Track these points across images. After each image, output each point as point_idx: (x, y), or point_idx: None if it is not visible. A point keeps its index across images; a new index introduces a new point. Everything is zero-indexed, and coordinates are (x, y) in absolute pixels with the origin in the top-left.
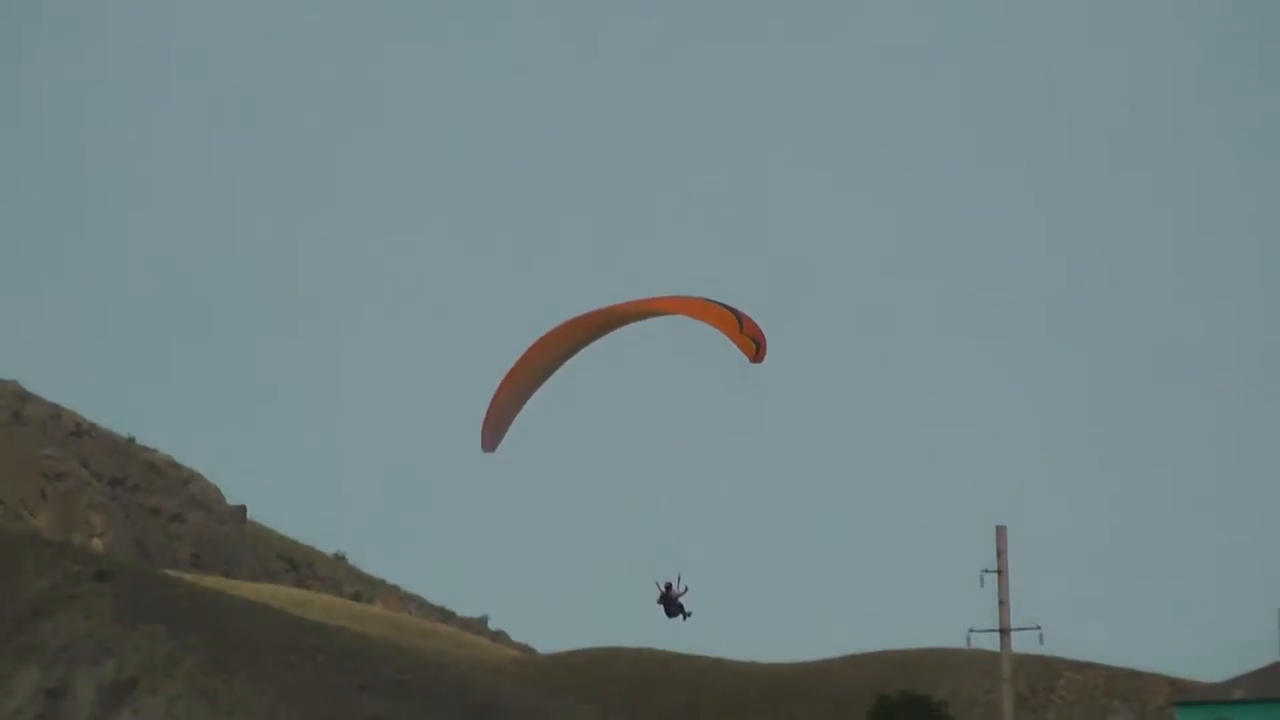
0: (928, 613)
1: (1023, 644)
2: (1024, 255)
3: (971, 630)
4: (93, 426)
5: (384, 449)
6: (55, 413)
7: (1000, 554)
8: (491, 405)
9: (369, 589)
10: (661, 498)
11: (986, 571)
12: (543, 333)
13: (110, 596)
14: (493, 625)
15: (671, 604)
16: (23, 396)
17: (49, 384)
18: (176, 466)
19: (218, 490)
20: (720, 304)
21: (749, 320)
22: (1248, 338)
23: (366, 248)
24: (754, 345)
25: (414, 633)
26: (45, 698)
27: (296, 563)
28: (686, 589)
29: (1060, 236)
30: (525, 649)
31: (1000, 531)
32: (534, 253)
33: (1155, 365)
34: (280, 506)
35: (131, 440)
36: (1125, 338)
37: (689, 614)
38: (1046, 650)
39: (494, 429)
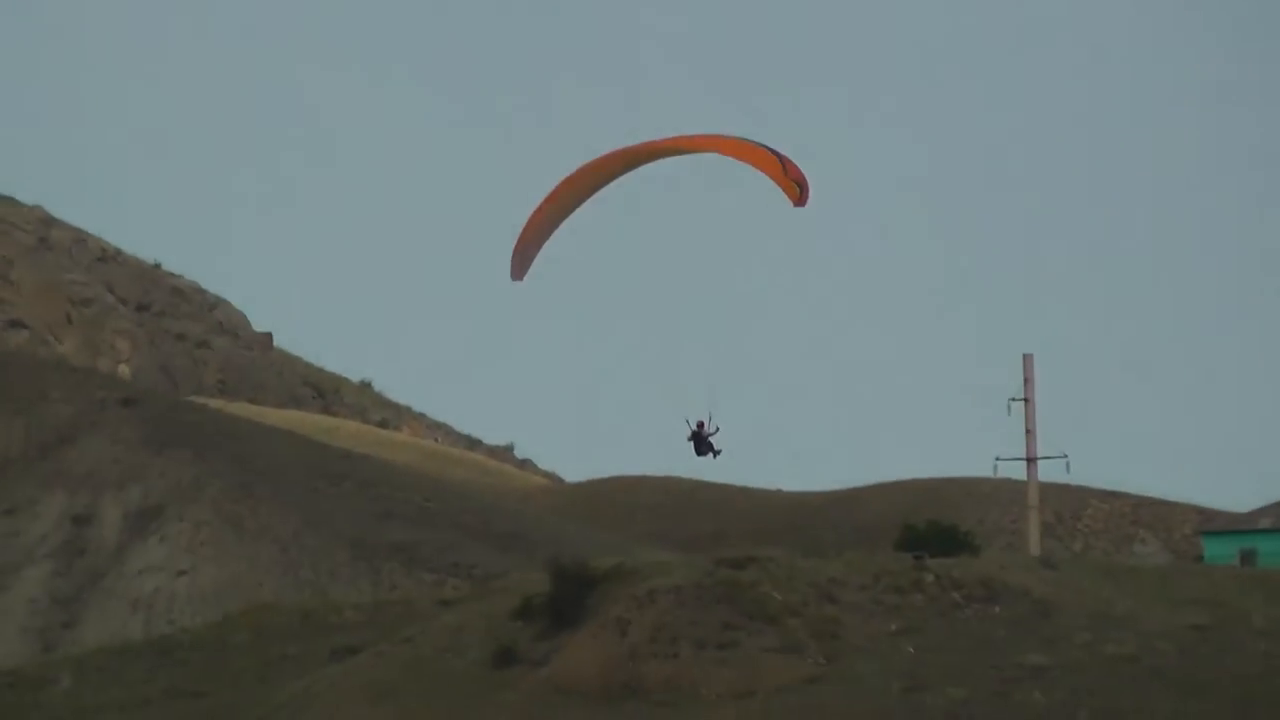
0: (955, 442)
1: (1049, 473)
2: (1056, 78)
3: (998, 459)
4: (119, 252)
5: (412, 276)
6: (81, 238)
7: (1027, 382)
8: (522, 233)
9: (395, 416)
10: (690, 327)
11: (1013, 400)
12: (579, 165)
13: (136, 422)
14: (519, 453)
15: (701, 442)
16: (49, 221)
17: (75, 209)
18: (202, 292)
19: (244, 316)
20: (764, 146)
21: (792, 164)
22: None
23: (399, 72)
24: (797, 188)
25: (440, 460)
26: (71, 524)
27: (323, 389)
28: (718, 429)
29: (1099, 55)
30: (552, 477)
31: (1027, 359)
32: (573, 83)
33: (1183, 187)
34: (307, 333)
35: (158, 265)
36: (1149, 160)
37: (719, 452)
38: (1073, 479)
39: (523, 257)
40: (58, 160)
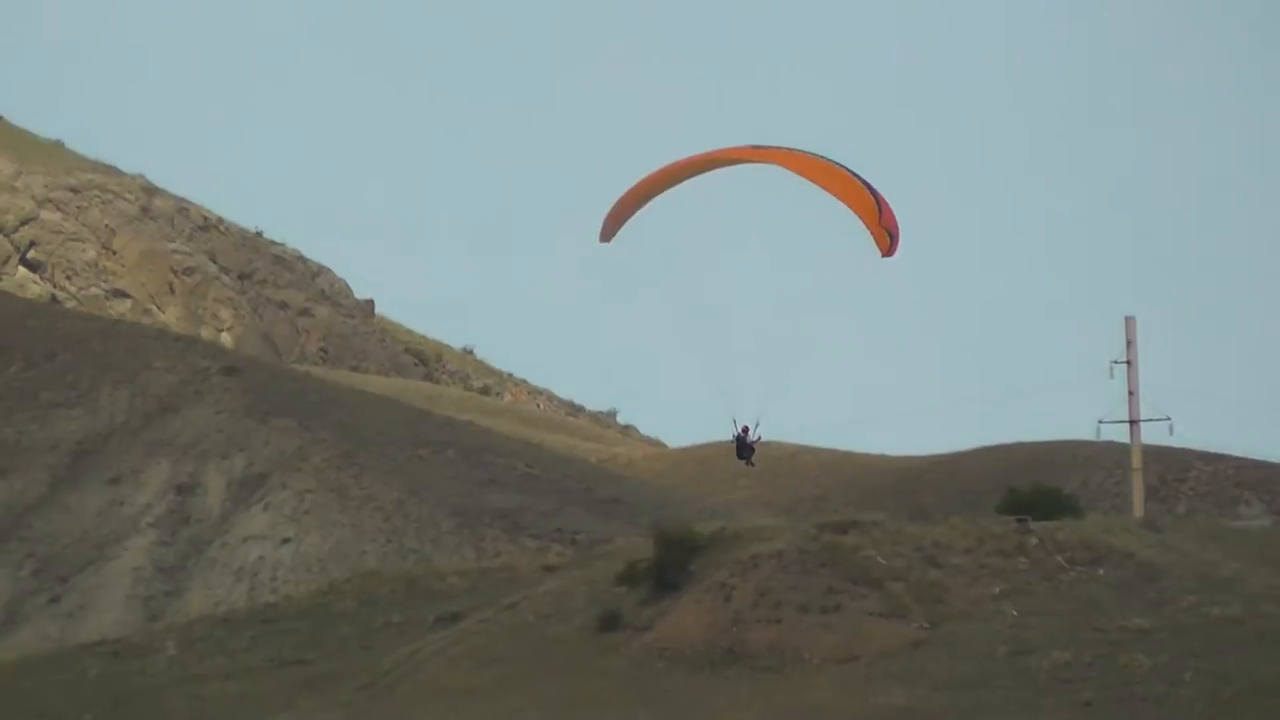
0: (1057, 405)
1: (1152, 435)
2: (1163, 33)
3: (1101, 421)
4: (220, 220)
5: (515, 242)
6: (183, 206)
7: (1130, 344)
8: (619, 200)
9: (497, 383)
10: (790, 291)
11: (1116, 362)
12: (686, 155)
13: (239, 391)
14: (622, 419)
15: (744, 446)
16: (150, 190)
17: (177, 177)
18: (304, 260)
19: (345, 284)
20: (864, 183)
21: (888, 210)
22: None
23: (516, 36)
24: (888, 238)
25: (543, 426)
26: (175, 493)
27: (425, 357)
28: (760, 437)
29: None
30: (654, 443)
31: (1130, 322)
32: (696, 71)
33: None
34: (408, 300)
35: (259, 234)
36: (1246, 119)
37: (753, 463)
38: (1176, 441)
39: (615, 221)
40: (159, 129)
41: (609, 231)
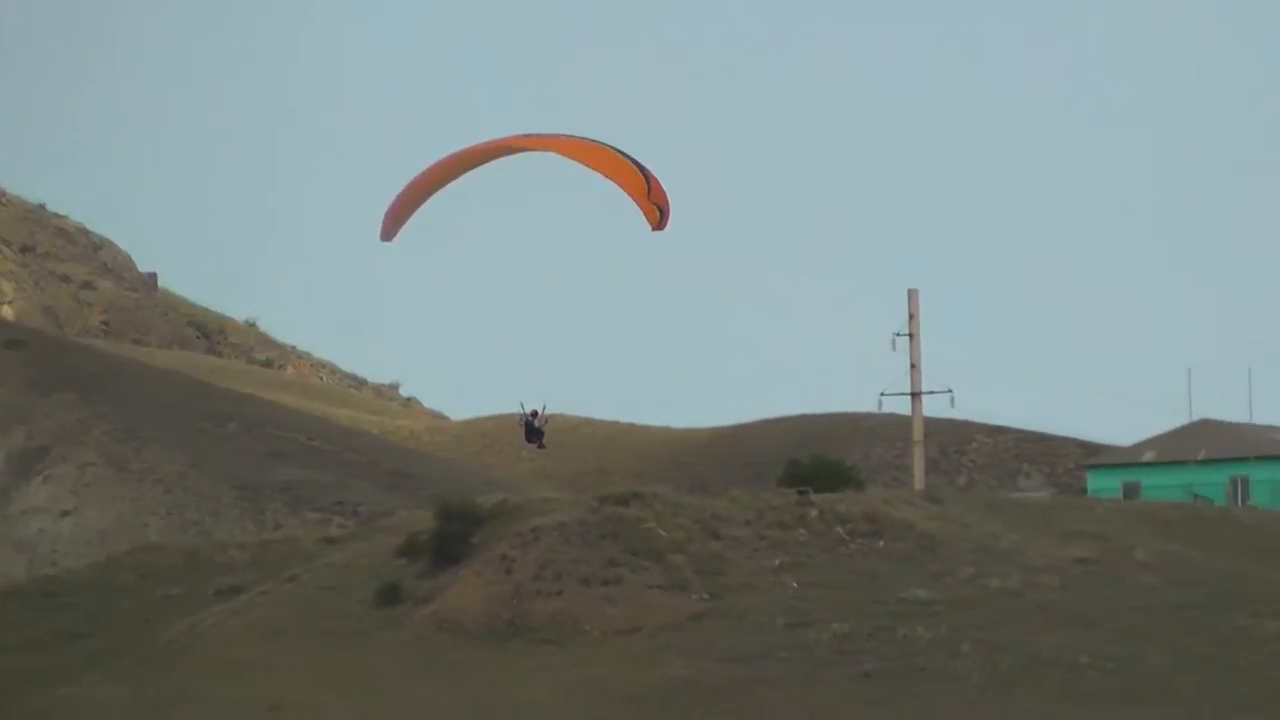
0: (839, 378)
1: (934, 408)
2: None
3: (883, 393)
4: (2, 193)
5: (296, 213)
6: None
7: (912, 317)
8: (397, 198)
9: (281, 356)
10: (571, 267)
11: (898, 335)
12: (460, 147)
13: (21, 364)
14: (405, 392)
15: (531, 429)
16: None
17: None
18: (87, 233)
19: (128, 257)
20: (632, 160)
21: (658, 186)
22: (1160, 111)
23: (286, 9)
24: (658, 212)
25: (326, 399)
26: None
27: (208, 330)
28: (547, 420)
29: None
30: (437, 416)
31: (912, 294)
32: (466, 58)
33: (1066, 125)
34: (191, 273)
35: (42, 207)
36: (1033, 99)
37: (543, 445)
38: (957, 414)
39: (395, 221)
40: None
41: (389, 230)
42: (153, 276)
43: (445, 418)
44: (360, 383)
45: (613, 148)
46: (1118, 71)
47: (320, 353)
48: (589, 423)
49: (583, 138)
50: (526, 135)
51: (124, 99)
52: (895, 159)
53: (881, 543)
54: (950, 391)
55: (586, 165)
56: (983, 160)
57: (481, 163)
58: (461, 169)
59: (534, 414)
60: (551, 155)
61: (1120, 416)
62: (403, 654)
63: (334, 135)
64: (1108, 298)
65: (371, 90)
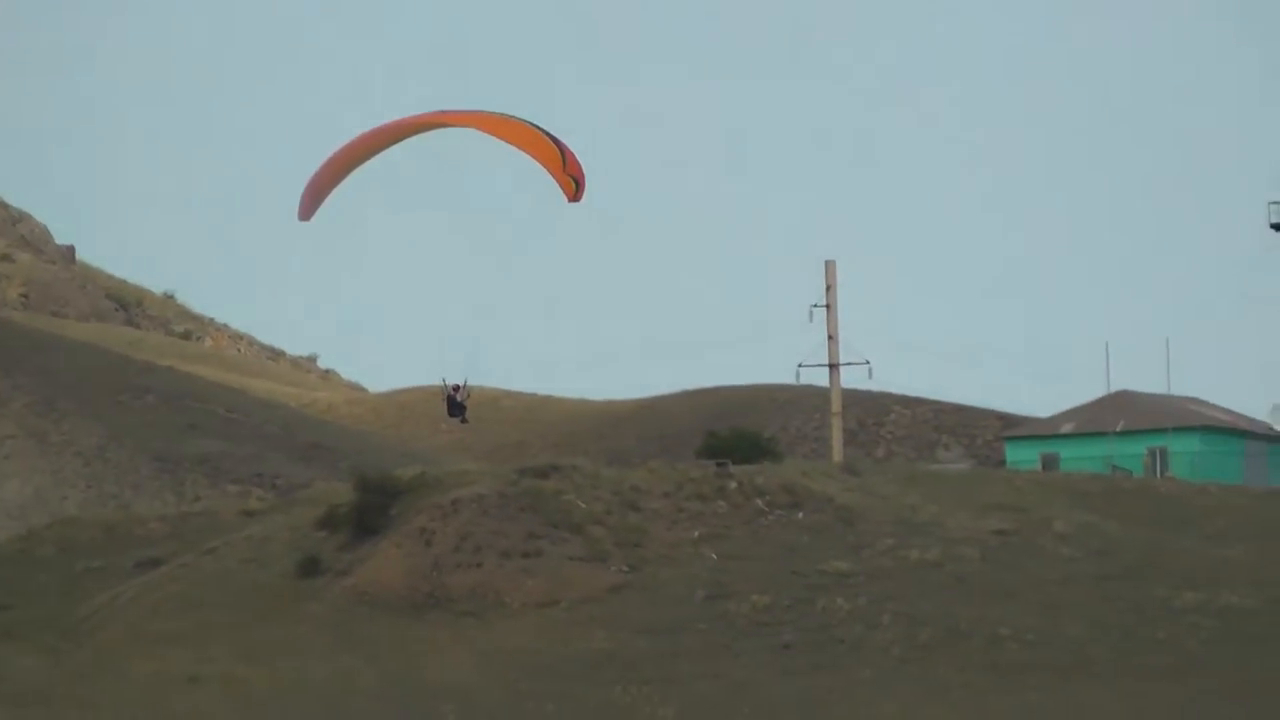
0: (757, 350)
1: (852, 379)
2: None
3: (800, 365)
4: None
5: (215, 185)
6: None
7: (829, 288)
8: (313, 178)
9: (198, 328)
10: (491, 239)
11: (815, 306)
12: (375, 124)
13: None
14: (323, 364)
15: (453, 404)
16: None
17: None
18: (5, 206)
19: (46, 230)
20: (547, 134)
21: (573, 158)
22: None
23: None
24: (574, 184)
25: (244, 371)
26: None
27: (126, 302)
28: (469, 395)
29: None
30: (356, 388)
31: (829, 266)
32: (385, 35)
33: (984, 92)
34: (109, 246)
35: None
36: (953, 64)
37: (466, 420)
38: (875, 385)
39: (312, 200)
40: None
41: (308, 209)
42: (70, 249)
43: (364, 390)
44: (278, 355)
45: (528, 122)
46: (1031, 35)
47: (238, 325)
48: (508, 395)
49: (498, 113)
50: (443, 112)
51: (40, 70)
52: (812, 126)
53: (800, 515)
54: (868, 363)
55: (503, 139)
56: (902, 128)
57: (398, 140)
58: (379, 146)
59: (456, 389)
60: (468, 130)
61: (1038, 389)
62: (322, 626)
63: (251, 105)
64: (1026, 269)
65: (289, 59)
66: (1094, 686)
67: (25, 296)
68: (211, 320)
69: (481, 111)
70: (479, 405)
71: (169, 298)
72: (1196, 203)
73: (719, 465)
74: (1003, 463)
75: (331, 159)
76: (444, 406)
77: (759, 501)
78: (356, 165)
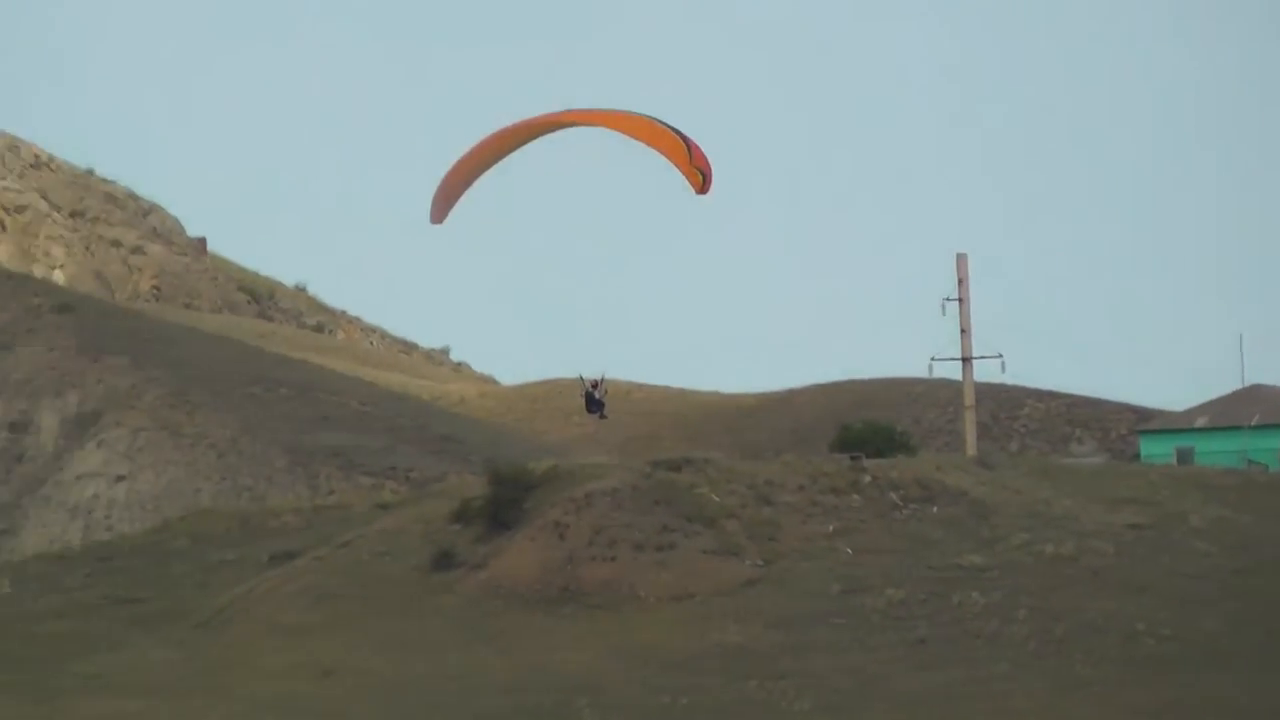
0: (890, 342)
1: (985, 373)
2: None
3: (933, 359)
4: (52, 158)
5: (347, 180)
6: (13, 144)
7: (961, 282)
8: (444, 180)
9: (331, 320)
10: (621, 234)
11: (948, 300)
12: (501, 126)
13: (72, 329)
14: (454, 357)
15: (592, 400)
16: None
17: (7, 115)
18: (136, 198)
19: (178, 222)
20: (672, 129)
21: (698, 151)
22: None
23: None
24: (700, 177)
25: (376, 364)
26: (8, 430)
27: (258, 294)
28: (606, 391)
29: None
30: (487, 380)
31: (961, 259)
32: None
33: (1119, 87)
34: (241, 238)
35: (91, 172)
36: (1080, 58)
37: (605, 416)
38: (1009, 379)
39: (444, 202)
40: None
41: (439, 213)
42: (202, 241)
43: (495, 382)
44: (411, 347)
45: (652, 117)
46: (1177, 32)
47: (370, 317)
48: (640, 388)
49: (623, 110)
50: (569, 111)
51: (174, 65)
52: (946, 120)
53: (934, 508)
54: (1001, 357)
55: (629, 135)
56: (1036, 121)
57: (526, 141)
58: (507, 148)
59: (594, 385)
60: (594, 128)
61: (1172, 382)
62: (456, 619)
63: (384, 99)
64: (1160, 262)
65: (421, 56)
66: (1230, 681)
67: (157, 289)
68: (343, 313)
69: (605, 109)
70: (610, 398)
71: (301, 290)
72: None
73: (853, 459)
74: (1136, 456)
75: (461, 161)
76: (582, 402)
77: (893, 495)
78: (486, 167)
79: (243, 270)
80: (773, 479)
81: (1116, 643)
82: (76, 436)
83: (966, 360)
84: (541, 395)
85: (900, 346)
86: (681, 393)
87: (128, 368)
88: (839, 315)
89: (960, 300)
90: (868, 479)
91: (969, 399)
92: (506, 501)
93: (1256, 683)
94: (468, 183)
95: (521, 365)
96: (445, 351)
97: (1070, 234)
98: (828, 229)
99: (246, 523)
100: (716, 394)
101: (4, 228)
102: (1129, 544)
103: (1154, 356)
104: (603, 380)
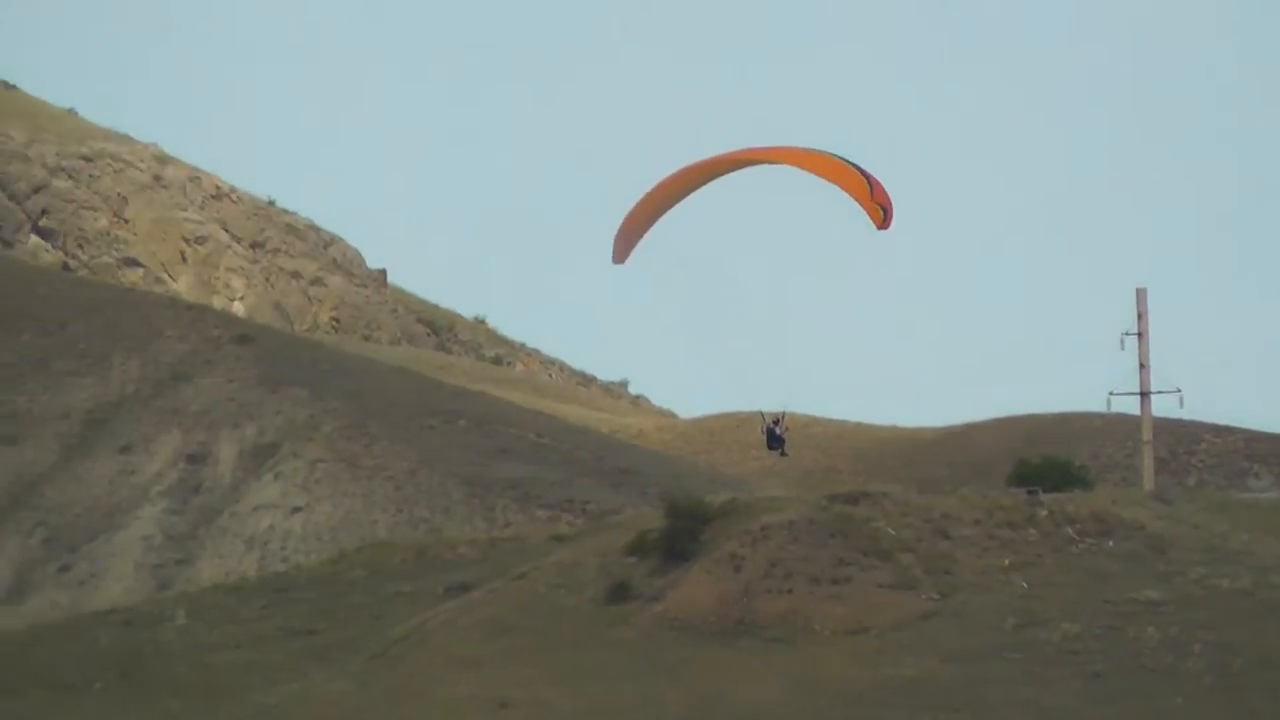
0: (1067, 377)
1: (1163, 408)
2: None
3: (1111, 394)
4: (233, 189)
5: (527, 213)
6: (195, 175)
7: (1140, 316)
8: (625, 222)
9: (509, 353)
10: (801, 269)
11: (1127, 334)
12: (680, 166)
13: (251, 360)
14: (633, 390)
15: (773, 437)
16: (163, 159)
17: (189, 146)
18: (316, 230)
19: (358, 253)
20: (854, 165)
21: (879, 186)
22: None
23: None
24: (881, 213)
25: (554, 397)
26: (186, 462)
27: (437, 326)
28: (788, 428)
29: None
30: (665, 413)
31: (1140, 293)
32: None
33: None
34: (421, 270)
35: (271, 203)
36: (1270, 99)
37: (786, 454)
38: (1186, 414)
39: (625, 243)
40: (172, 98)
41: (621, 253)
42: (382, 273)
43: (673, 416)
44: (589, 380)
45: (833, 154)
46: None
47: (549, 350)
48: (817, 421)
49: (804, 146)
50: (750, 149)
51: (357, 97)
52: (1123, 157)
53: (1111, 543)
54: (1179, 391)
55: (810, 172)
56: (1208, 157)
57: (707, 180)
58: (689, 188)
59: (775, 421)
60: (773, 167)
61: None
62: (632, 651)
63: (560, 136)
64: None
65: (604, 89)
66: None
67: (336, 319)
68: (522, 345)
69: (787, 146)
70: (786, 432)
71: (480, 322)
72: None
73: (1029, 493)
74: None
75: (643, 201)
76: (762, 437)
77: (1069, 529)
78: (668, 208)
79: (422, 302)
80: (949, 512)
81: None
82: (254, 468)
83: (1145, 395)
84: (719, 429)
85: (1079, 381)
86: (859, 426)
87: (306, 399)
88: (1018, 349)
89: (1139, 335)
90: (1044, 513)
91: (1146, 434)
92: (683, 534)
93: None
94: (650, 223)
95: (699, 399)
96: (624, 384)
97: (1249, 267)
98: (1007, 263)
99: (423, 554)
100: (894, 428)
101: (185, 259)
102: None
103: None
104: (784, 417)
